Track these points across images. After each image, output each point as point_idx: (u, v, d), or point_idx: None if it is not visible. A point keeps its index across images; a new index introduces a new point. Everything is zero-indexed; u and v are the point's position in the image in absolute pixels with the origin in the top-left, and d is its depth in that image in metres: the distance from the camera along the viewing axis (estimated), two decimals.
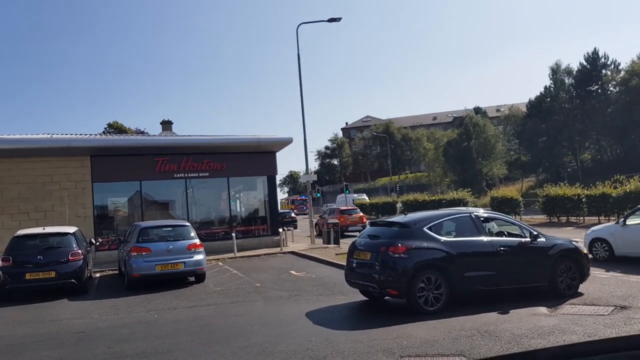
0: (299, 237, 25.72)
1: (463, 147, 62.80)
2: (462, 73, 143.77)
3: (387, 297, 9.69)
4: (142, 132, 46.50)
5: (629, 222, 13.76)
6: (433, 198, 38.45)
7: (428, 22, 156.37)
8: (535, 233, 9.90)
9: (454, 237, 9.27)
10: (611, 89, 52.42)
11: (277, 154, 22.95)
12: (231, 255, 19.01)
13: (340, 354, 6.45)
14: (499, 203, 31.44)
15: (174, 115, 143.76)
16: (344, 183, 41.36)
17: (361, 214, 29.50)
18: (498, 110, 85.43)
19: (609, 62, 52.49)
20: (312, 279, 13.35)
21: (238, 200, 23.65)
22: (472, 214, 9.71)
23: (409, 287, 8.54)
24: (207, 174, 21.14)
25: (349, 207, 31.00)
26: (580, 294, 9.69)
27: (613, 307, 8.59)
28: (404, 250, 8.69)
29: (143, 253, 12.82)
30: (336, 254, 17.57)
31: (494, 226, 10.20)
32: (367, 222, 21.81)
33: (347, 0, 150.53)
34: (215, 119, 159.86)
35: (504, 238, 9.74)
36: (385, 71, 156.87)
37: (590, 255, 12.28)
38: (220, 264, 17.42)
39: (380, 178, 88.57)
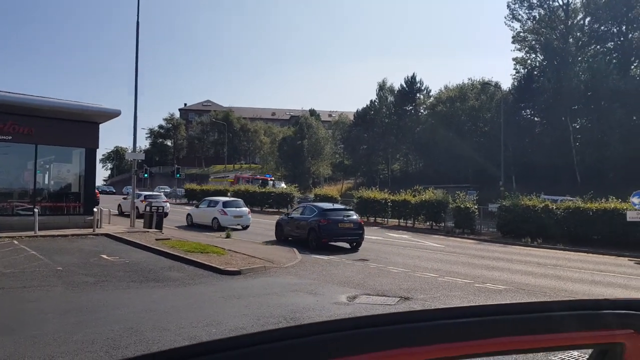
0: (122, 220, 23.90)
1: (296, 145, 65.73)
2: (303, 75, 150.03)
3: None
4: None
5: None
6: (263, 190, 39.41)
7: (280, 22, 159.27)
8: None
9: None
10: (422, 111, 60.71)
11: (103, 126, 21.01)
12: (31, 233, 16.80)
13: (145, 343, 6.30)
14: (320, 200, 33.83)
15: None
16: (176, 166, 39.67)
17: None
18: (330, 115, 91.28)
19: (422, 88, 60.89)
20: (125, 264, 12.63)
21: (47, 172, 20.98)
22: None
23: None
24: (10, 137, 18.28)
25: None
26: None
27: (399, 298, 10.06)
28: None
29: None
30: (156, 239, 16.88)
31: None
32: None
33: None
34: (38, 80, 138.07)
35: None
36: (232, 59, 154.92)
37: None
38: (16, 242, 15.29)
39: (214, 165, 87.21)
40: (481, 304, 0.94)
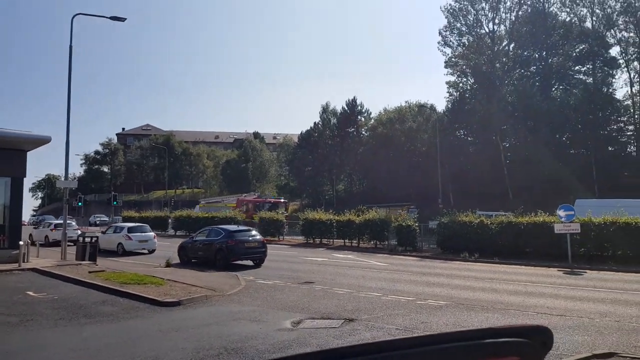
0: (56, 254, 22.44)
1: (241, 168, 65.09)
2: (247, 98, 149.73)
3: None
4: None
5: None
6: (206, 215, 38.61)
7: (220, 44, 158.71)
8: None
9: None
10: (363, 132, 62.25)
11: (34, 153, 19.84)
12: None
13: None
14: (266, 224, 33.47)
15: None
16: (112, 193, 38.04)
17: None
18: (275, 138, 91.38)
19: (363, 110, 62.55)
20: (54, 301, 11.82)
21: None
22: None
23: None
24: None
25: None
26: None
27: (343, 320, 10.03)
28: None
29: None
30: (89, 272, 15.96)
31: None
32: None
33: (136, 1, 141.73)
34: None
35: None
36: (173, 82, 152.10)
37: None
38: None
39: (155, 191, 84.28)
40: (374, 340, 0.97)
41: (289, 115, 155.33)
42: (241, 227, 20.85)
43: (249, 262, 19.36)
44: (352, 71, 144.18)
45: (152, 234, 25.78)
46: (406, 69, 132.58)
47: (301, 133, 65.70)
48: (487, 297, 12.52)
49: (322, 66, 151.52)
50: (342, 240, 29.20)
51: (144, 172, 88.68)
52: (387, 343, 0.92)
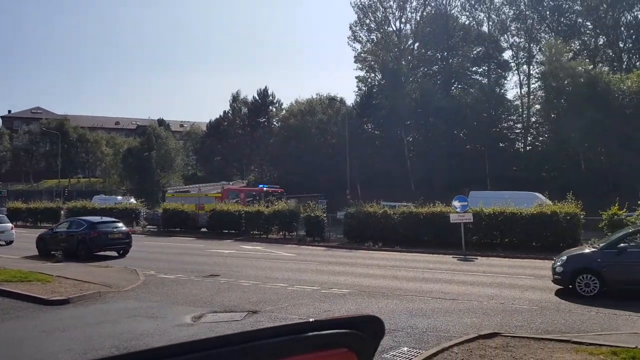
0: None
1: (144, 156, 61.76)
2: (152, 83, 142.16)
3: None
4: None
5: None
6: (104, 207, 36.23)
7: (123, 24, 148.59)
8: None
9: None
10: (274, 123, 61.99)
11: None
12: None
13: None
14: (171, 215, 32.12)
15: None
16: None
17: None
18: (182, 126, 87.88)
19: (275, 101, 62.27)
20: None
21: None
22: None
23: None
24: None
25: None
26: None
27: (246, 312, 9.88)
28: None
29: None
30: None
31: None
32: None
33: None
34: None
35: None
36: (68, 61, 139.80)
37: None
38: None
39: (46, 180, 77.15)
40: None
41: (197, 103, 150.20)
42: (105, 219, 21.04)
43: (114, 253, 19.70)
44: (264, 61, 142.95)
45: (9, 224, 25.06)
46: (319, 62, 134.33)
47: (210, 121, 63.82)
48: (388, 284, 13.05)
49: (234, 55, 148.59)
50: (251, 232, 28.89)
51: (33, 159, 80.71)
52: (199, 342, 0.85)
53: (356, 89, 58.74)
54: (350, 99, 72.76)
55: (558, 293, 11.58)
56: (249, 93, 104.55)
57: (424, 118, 48.79)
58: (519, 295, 11.48)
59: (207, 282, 13.69)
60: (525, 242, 20.41)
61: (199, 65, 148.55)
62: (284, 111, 61.18)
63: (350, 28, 56.32)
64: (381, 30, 55.66)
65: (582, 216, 20.00)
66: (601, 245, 12.00)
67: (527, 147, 50.54)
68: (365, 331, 1.00)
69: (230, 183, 37.80)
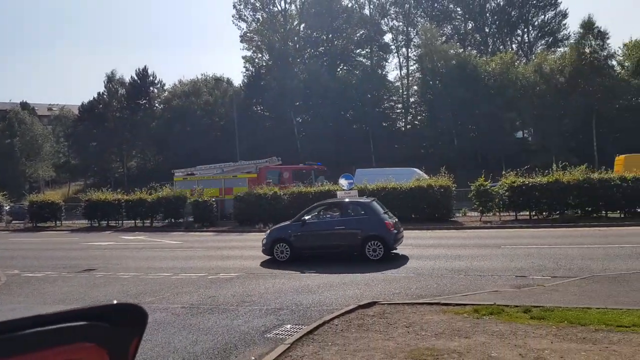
0: None
1: (5, 144, 54.83)
2: (10, 63, 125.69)
3: None
4: None
5: None
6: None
7: None
8: None
9: None
10: (157, 105, 58.51)
11: None
12: None
13: None
14: (39, 207, 29.00)
15: None
16: None
17: None
18: (50, 109, 79.32)
19: (156, 81, 58.59)
20: None
21: None
22: None
23: None
24: None
25: None
26: None
27: None
28: None
29: None
30: None
31: None
32: None
33: None
34: None
35: None
36: None
37: None
38: None
39: None
40: None
41: (66, 84, 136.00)
42: None
43: None
44: (142, 39, 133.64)
45: None
46: (203, 40, 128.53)
47: (82, 104, 58.31)
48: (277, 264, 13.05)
49: (106, 31, 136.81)
50: (133, 221, 27.18)
51: None
52: None
53: (244, 69, 57.68)
54: (238, 79, 71.10)
55: (264, 263, 13.30)
56: (126, 73, 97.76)
57: (313, 99, 49.48)
58: (399, 264, 12.15)
59: (81, 277, 12.61)
60: (405, 215, 21.70)
61: (66, 42, 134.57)
62: (166, 92, 57.94)
63: (234, 6, 54.85)
64: (266, 10, 54.91)
65: (454, 188, 21.72)
66: (293, 219, 14.09)
67: (407, 126, 53.77)
68: (119, 323, 0.86)
69: (265, 161, 30.87)
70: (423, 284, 9.80)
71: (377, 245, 12.67)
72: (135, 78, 57.51)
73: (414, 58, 53.88)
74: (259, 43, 55.87)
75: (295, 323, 7.52)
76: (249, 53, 56.88)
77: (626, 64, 41.04)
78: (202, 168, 31.90)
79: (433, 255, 13.11)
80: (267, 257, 13.71)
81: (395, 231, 13.10)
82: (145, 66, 58.24)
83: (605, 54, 39.80)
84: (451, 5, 55.31)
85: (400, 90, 55.29)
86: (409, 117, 54.43)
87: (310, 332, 6.74)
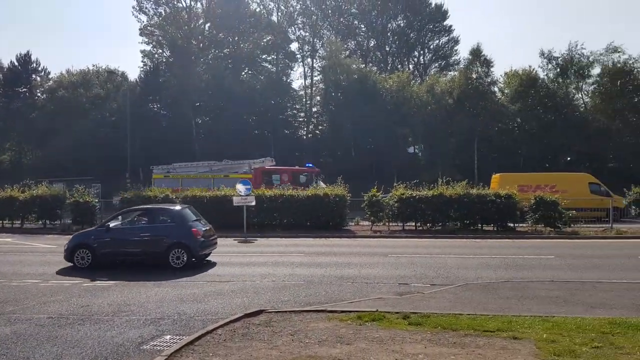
0: None
1: None
2: None
3: None
4: None
5: None
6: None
7: None
8: None
9: None
10: (39, 94, 52.97)
11: None
12: None
13: None
14: None
15: None
16: None
17: None
18: None
19: (40, 69, 53.03)
20: None
21: None
22: None
23: None
24: None
25: None
26: None
27: None
28: None
29: None
30: None
31: None
32: None
33: None
34: None
35: None
36: None
37: None
38: None
39: None
40: None
41: None
42: None
43: None
44: (28, 21, 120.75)
45: None
46: (96, 29, 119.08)
47: None
48: (160, 272, 12.35)
49: None
50: (1, 222, 24.24)
51: None
52: None
53: (141, 64, 54.48)
54: (133, 74, 66.69)
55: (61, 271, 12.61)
56: (5, 57, 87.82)
57: (215, 101, 48.16)
58: (290, 272, 12.12)
59: None
60: (301, 222, 21.88)
61: None
62: (51, 82, 52.77)
63: None
64: (170, 5, 52.61)
65: (348, 198, 22.34)
66: (97, 224, 14.08)
67: (309, 135, 54.54)
68: None
69: (261, 160, 29.79)
70: (312, 292, 9.85)
71: (181, 252, 12.69)
72: (15, 63, 51.74)
73: (319, 69, 54.95)
74: (160, 38, 53.24)
75: (176, 334, 7.11)
76: (148, 47, 53.98)
77: (506, 90, 45.50)
78: (181, 166, 30.62)
79: (324, 263, 13.29)
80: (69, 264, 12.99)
81: (203, 239, 13.15)
82: (28, 51, 52.68)
83: (489, 80, 43.79)
84: (356, 22, 57.39)
85: (304, 99, 56.02)
86: (310, 127, 55.26)
87: (191, 342, 6.41)
